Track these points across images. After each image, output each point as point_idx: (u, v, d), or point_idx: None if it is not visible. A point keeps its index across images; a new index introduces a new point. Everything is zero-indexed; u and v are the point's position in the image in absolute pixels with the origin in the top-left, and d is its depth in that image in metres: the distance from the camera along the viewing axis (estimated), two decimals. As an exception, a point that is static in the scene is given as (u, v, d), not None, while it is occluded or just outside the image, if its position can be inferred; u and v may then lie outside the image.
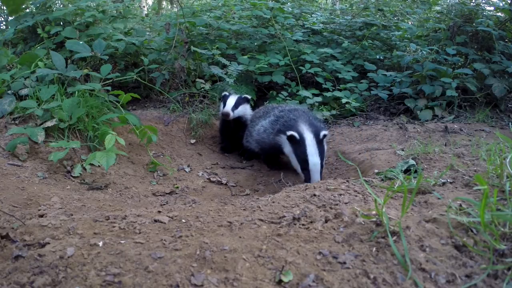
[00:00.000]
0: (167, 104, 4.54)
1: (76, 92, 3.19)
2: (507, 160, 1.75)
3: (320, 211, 1.59)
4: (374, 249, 1.30)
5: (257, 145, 3.50)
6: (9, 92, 3.20)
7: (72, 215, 1.71)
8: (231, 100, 3.79)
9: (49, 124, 2.88)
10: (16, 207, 1.97)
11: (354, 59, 5.24)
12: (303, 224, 1.50)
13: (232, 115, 3.74)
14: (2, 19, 6.40)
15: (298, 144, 2.90)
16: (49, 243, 1.36)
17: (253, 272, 1.20)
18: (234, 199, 1.86)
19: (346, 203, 1.67)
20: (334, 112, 4.45)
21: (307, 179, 2.87)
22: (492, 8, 5.49)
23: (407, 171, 2.32)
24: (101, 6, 4.70)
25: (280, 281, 1.16)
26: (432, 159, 2.43)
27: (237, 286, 1.15)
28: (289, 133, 2.92)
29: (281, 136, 3.08)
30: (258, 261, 1.25)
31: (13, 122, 2.97)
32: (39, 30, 4.30)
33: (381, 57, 5.42)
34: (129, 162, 3.19)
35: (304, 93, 4.49)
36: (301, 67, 4.79)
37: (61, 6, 5.01)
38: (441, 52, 4.85)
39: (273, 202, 1.77)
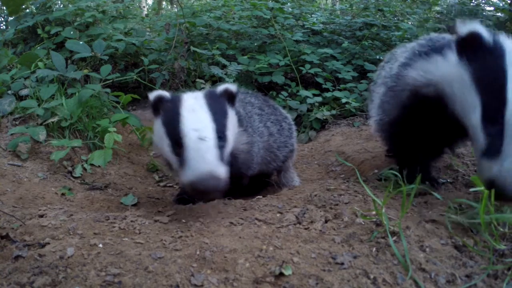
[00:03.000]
0: (167, 104, 4.53)
1: (77, 92, 3.20)
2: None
3: (320, 211, 1.59)
4: (374, 249, 1.30)
5: None
6: (9, 92, 3.20)
7: (72, 215, 1.71)
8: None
9: (51, 120, 2.88)
10: (16, 207, 1.97)
11: (354, 59, 5.24)
12: (303, 224, 1.50)
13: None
14: (2, 19, 6.40)
15: None
16: (49, 243, 1.36)
17: (253, 272, 1.20)
18: (234, 199, 1.86)
19: (346, 203, 1.66)
20: (334, 112, 4.45)
21: None
22: (492, 8, 5.50)
23: (407, 171, 2.32)
24: (101, 6, 4.70)
25: (280, 281, 1.16)
26: (432, 159, 2.43)
27: (237, 286, 1.15)
28: None
29: None
30: (258, 261, 1.25)
31: (14, 122, 2.98)
32: (39, 30, 4.30)
33: (381, 57, 5.42)
34: (129, 162, 3.19)
35: (304, 93, 4.49)
36: (301, 67, 4.79)
37: (61, 6, 5.02)
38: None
39: (274, 202, 1.77)
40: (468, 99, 1.48)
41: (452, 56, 1.58)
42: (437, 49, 1.70)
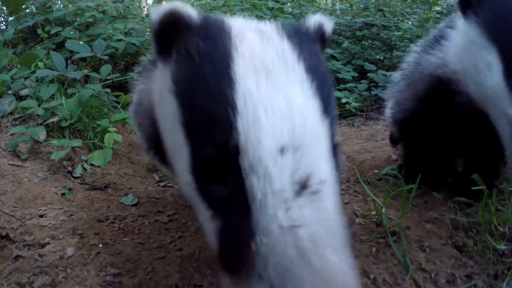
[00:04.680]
0: (167, 104, 4.54)
1: (77, 92, 3.20)
2: (507, 160, 1.75)
3: (320, 211, 1.59)
4: (374, 249, 1.30)
5: None
6: (9, 92, 3.20)
7: (72, 215, 1.71)
8: None
9: (51, 120, 2.89)
10: (16, 207, 1.97)
11: (354, 59, 5.24)
12: (303, 224, 1.50)
13: None
14: (2, 19, 6.40)
15: None
16: (49, 243, 1.36)
17: (253, 272, 1.20)
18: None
19: (346, 203, 1.66)
20: (334, 112, 4.46)
21: None
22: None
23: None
24: (101, 6, 4.70)
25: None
26: (432, 159, 2.43)
27: (237, 286, 1.15)
28: None
29: None
30: (258, 261, 1.25)
31: (14, 122, 2.98)
32: (39, 30, 4.30)
33: (381, 57, 5.43)
34: (129, 162, 3.19)
35: (304, 93, 4.50)
36: (301, 67, 4.80)
37: (61, 6, 5.02)
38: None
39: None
40: (482, 55, 1.08)
41: (460, 22, 1.28)
42: (451, 27, 1.44)
